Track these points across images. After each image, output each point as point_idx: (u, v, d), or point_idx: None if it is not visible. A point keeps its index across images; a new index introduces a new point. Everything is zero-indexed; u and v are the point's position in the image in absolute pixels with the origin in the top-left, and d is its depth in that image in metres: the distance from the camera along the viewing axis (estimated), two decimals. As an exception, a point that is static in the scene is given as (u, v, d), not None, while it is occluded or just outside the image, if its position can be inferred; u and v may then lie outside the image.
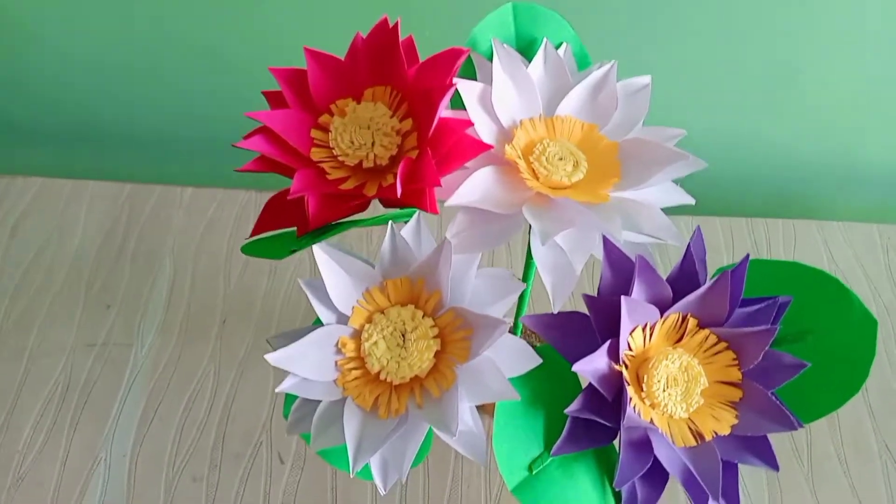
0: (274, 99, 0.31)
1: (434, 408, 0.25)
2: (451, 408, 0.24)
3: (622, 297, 0.26)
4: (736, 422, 0.29)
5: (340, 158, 0.29)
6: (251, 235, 0.30)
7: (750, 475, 0.48)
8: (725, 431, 0.29)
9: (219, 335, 0.55)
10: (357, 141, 0.29)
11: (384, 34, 0.30)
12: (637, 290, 0.27)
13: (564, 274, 0.27)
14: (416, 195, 0.27)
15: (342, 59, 0.30)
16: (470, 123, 0.27)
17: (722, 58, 0.56)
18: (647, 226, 0.28)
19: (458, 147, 0.28)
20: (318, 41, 0.52)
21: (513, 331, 0.42)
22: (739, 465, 0.29)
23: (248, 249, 0.28)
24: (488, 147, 0.28)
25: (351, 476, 0.24)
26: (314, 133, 0.30)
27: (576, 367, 0.26)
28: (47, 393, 0.52)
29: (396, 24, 0.29)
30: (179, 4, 0.56)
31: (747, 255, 0.28)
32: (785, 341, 0.30)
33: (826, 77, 0.57)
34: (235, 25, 0.58)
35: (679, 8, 0.53)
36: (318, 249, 0.25)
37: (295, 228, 0.29)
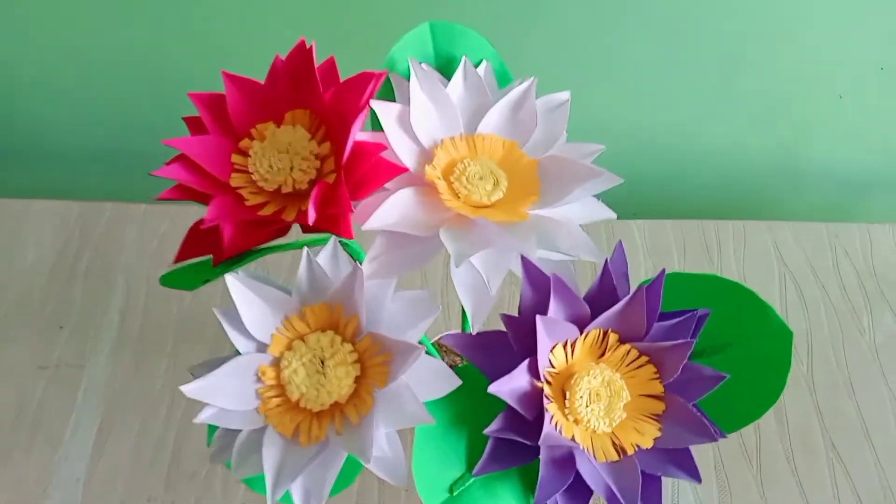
0: (194, 125, 0.31)
1: (352, 434, 0.25)
2: (367, 435, 0.25)
3: (538, 317, 0.27)
4: (659, 434, 0.29)
5: (259, 184, 0.29)
6: (174, 263, 0.30)
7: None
8: (648, 445, 0.29)
9: (172, 353, 0.54)
10: (276, 165, 0.29)
11: (303, 56, 0.30)
12: (553, 308, 0.28)
13: (482, 295, 0.28)
14: (331, 220, 0.27)
15: (261, 82, 0.30)
16: (383, 147, 0.27)
17: (668, 59, 0.57)
18: (565, 244, 0.28)
19: (375, 170, 0.28)
20: (262, 49, 0.52)
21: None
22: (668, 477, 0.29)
23: (165, 280, 0.28)
24: (404, 170, 0.28)
25: (268, 504, 0.24)
26: (235, 158, 0.30)
27: (491, 389, 0.26)
28: (-1, 417, 0.51)
29: (311, 47, 0.29)
30: (121, 16, 0.56)
31: (663, 270, 0.29)
32: (705, 353, 0.30)
33: (771, 76, 0.57)
34: (180, 34, 0.58)
35: (627, 8, 0.54)
36: (230, 278, 0.25)
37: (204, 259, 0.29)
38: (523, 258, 0.28)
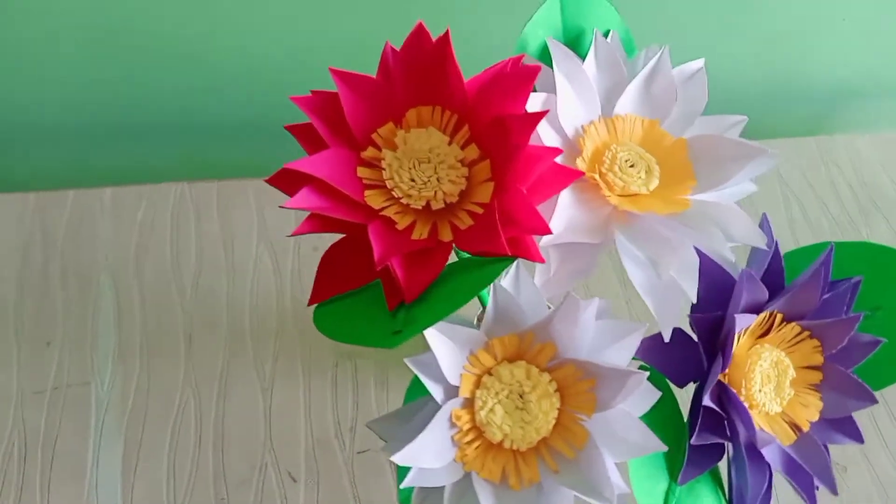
0: (303, 135, 0.26)
1: (573, 470, 0.24)
2: (599, 470, 0.23)
3: (736, 316, 0.25)
4: (821, 405, 0.29)
5: (404, 201, 0.25)
6: (311, 302, 0.26)
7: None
8: (815, 417, 0.29)
9: (188, 354, 0.49)
10: (419, 178, 0.25)
11: (424, 45, 0.26)
12: (742, 302, 0.26)
13: (670, 297, 0.26)
14: (514, 244, 0.24)
15: (375, 78, 0.26)
16: (558, 151, 0.24)
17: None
18: (738, 232, 0.27)
19: (546, 179, 0.25)
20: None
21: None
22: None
23: (326, 328, 0.24)
24: (580, 174, 0.25)
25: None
26: (361, 172, 0.26)
27: (706, 402, 0.25)
28: (2, 454, 0.45)
29: (447, 36, 0.25)
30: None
31: (832, 246, 0.28)
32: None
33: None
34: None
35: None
36: (431, 332, 0.22)
37: (365, 287, 0.25)
38: (699, 251, 0.26)
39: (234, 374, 0.49)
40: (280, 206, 0.24)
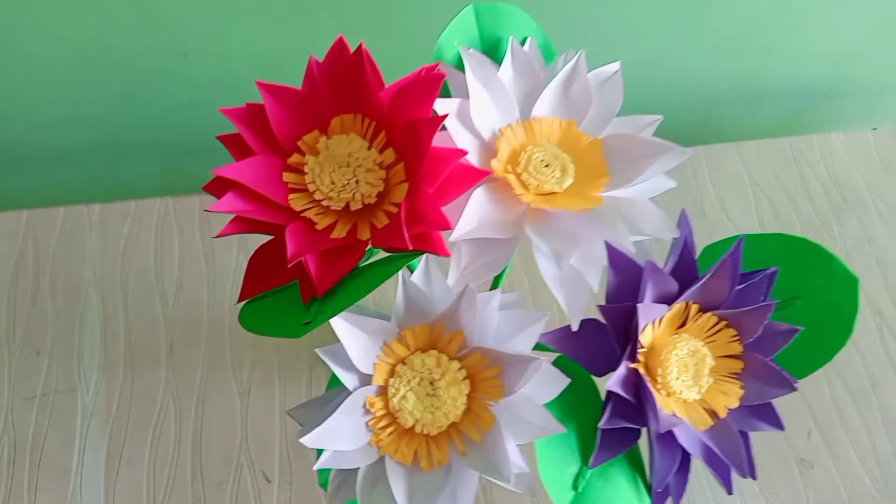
0: (233, 144, 0.28)
1: (479, 453, 0.25)
2: (500, 452, 0.24)
3: (638, 306, 0.27)
4: (742, 392, 0.30)
5: (325, 203, 0.27)
6: (240, 300, 0.27)
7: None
8: (735, 404, 0.30)
9: (169, 362, 0.51)
10: (339, 181, 0.27)
11: (343, 57, 0.27)
12: (648, 292, 0.28)
13: (577, 289, 0.27)
14: (421, 239, 0.25)
15: (299, 89, 0.28)
16: (463, 152, 0.26)
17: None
18: (648, 226, 0.28)
19: (452, 178, 0.26)
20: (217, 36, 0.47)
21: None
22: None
23: (250, 325, 0.26)
24: (486, 173, 0.27)
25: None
26: (287, 177, 0.27)
27: (609, 386, 0.26)
28: (-8, 459, 0.47)
29: (360, 48, 0.27)
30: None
31: (741, 239, 0.29)
32: (776, 308, 0.31)
33: (729, 3, 0.58)
34: (112, 13, 0.52)
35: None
36: (337, 320, 0.24)
37: (287, 286, 0.27)
38: (609, 245, 0.28)
39: (213, 381, 0.51)
40: (205, 210, 0.26)
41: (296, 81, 0.28)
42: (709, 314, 0.30)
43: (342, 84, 0.28)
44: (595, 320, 0.28)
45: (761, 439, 0.50)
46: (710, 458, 0.29)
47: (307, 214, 0.27)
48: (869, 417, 0.52)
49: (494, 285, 0.38)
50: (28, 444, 0.48)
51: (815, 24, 0.59)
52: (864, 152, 0.63)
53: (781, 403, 0.51)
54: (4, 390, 0.50)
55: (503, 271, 0.36)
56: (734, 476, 0.30)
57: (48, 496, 0.46)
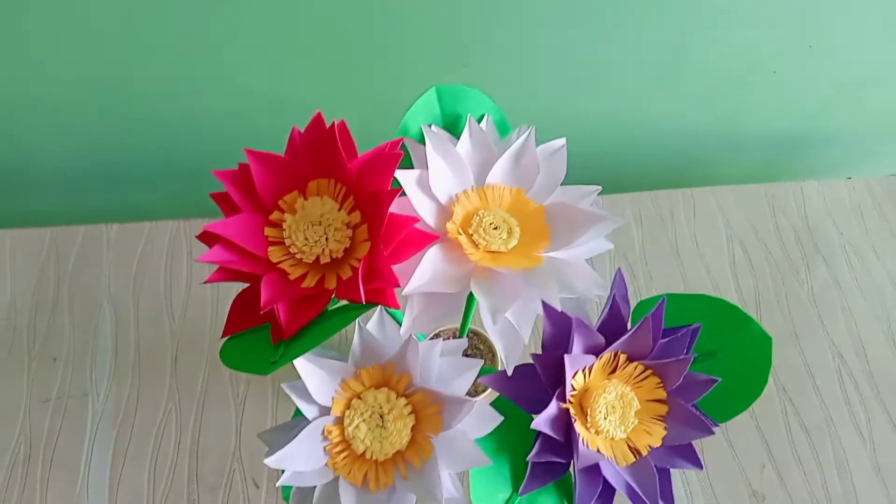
0: (223, 200, 0.33)
1: (417, 478, 0.29)
2: (434, 478, 0.28)
3: (566, 357, 0.31)
4: (665, 433, 0.34)
5: (298, 255, 0.31)
6: (223, 336, 0.32)
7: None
8: (657, 443, 0.34)
9: (173, 372, 0.56)
10: (311, 238, 0.31)
11: (320, 129, 0.32)
12: (576, 344, 0.32)
13: (514, 339, 0.31)
14: (377, 294, 0.30)
15: (282, 155, 0.32)
16: (416, 219, 0.30)
17: (614, 45, 0.60)
18: (579, 285, 0.32)
19: (407, 240, 0.30)
20: (219, 70, 0.52)
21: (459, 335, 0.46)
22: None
23: (229, 361, 0.30)
24: (435, 237, 0.31)
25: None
26: (268, 231, 0.32)
27: (535, 425, 0.30)
28: (11, 453, 0.52)
29: (333, 126, 0.31)
30: (71, 38, 0.55)
31: (664, 299, 0.33)
32: (699, 360, 0.35)
33: (712, 53, 0.61)
34: (133, 55, 0.57)
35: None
36: (301, 362, 0.28)
37: (261, 327, 0.31)
38: (544, 302, 0.32)
39: (212, 392, 0.55)
40: (196, 259, 0.30)
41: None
42: (636, 363, 0.34)
43: (319, 152, 0.32)
44: (531, 365, 0.33)
45: (717, 469, 0.54)
46: (630, 493, 0.33)
47: (282, 266, 0.31)
48: (822, 455, 0.55)
49: (462, 332, 0.42)
50: (42, 443, 0.53)
51: (792, 77, 0.63)
52: (838, 200, 0.66)
53: (739, 438, 0.55)
54: (23, 393, 0.55)
55: (467, 321, 0.41)
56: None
57: (58, 490, 0.51)
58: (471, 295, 0.37)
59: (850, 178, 0.68)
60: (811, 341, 0.59)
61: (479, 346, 0.51)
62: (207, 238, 0.32)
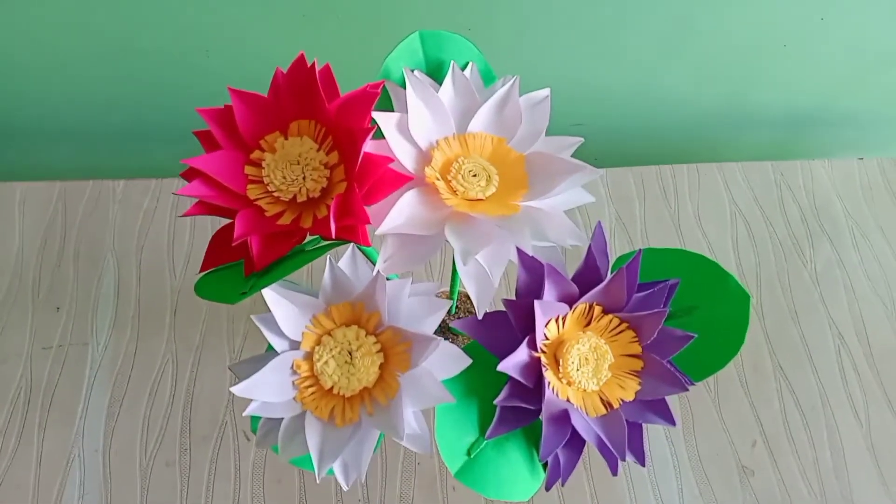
0: (205, 138, 0.33)
1: (383, 414, 0.29)
2: (398, 415, 0.29)
3: (536, 302, 0.31)
4: (639, 388, 0.34)
5: (276, 194, 0.32)
6: (200, 270, 0.32)
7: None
8: (630, 398, 0.34)
9: (171, 326, 0.57)
10: (289, 177, 0.32)
11: (303, 70, 0.32)
12: (548, 291, 0.32)
13: (485, 284, 0.31)
14: (349, 231, 0.30)
15: (265, 96, 0.33)
16: (391, 159, 0.30)
17: (627, 16, 0.59)
18: (553, 233, 0.32)
19: (383, 181, 0.31)
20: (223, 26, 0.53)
21: (450, 296, 0.47)
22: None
23: (201, 292, 0.31)
24: (410, 178, 0.31)
25: (317, 482, 0.28)
26: (248, 170, 0.32)
27: (501, 367, 0.30)
28: (11, 398, 0.54)
29: (314, 65, 0.31)
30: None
31: (640, 251, 0.33)
32: (676, 316, 0.35)
33: (721, 26, 0.61)
34: (142, 9, 0.58)
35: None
36: (267, 291, 0.28)
37: (237, 263, 0.32)
38: (518, 249, 0.32)
39: (209, 346, 0.56)
40: (173, 193, 0.31)
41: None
42: (610, 316, 0.34)
43: (301, 93, 0.32)
44: (502, 312, 0.33)
45: (707, 443, 0.53)
46: (600, 444, 0.33)
47: (260, 203, 0.32)
48: (815, 434, 0.54)
49: (452, 284, 0.43)
50: (42, 388, 0.54)
51: (804, 55, 0.61)
52: (848, 180, 0.65)
53: (731, 412, 0.54)
54: (26, 339, 0.56)
55: (456, 281, 0.41)
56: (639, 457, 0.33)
57: (55, 434, 0.53)
58: (454, 274, 0.38)
59: (861, 159, 0.66)
60: (811, 321, 0.59)
61: (469, 310, 0.51)
62: (189, 175, 0.32)
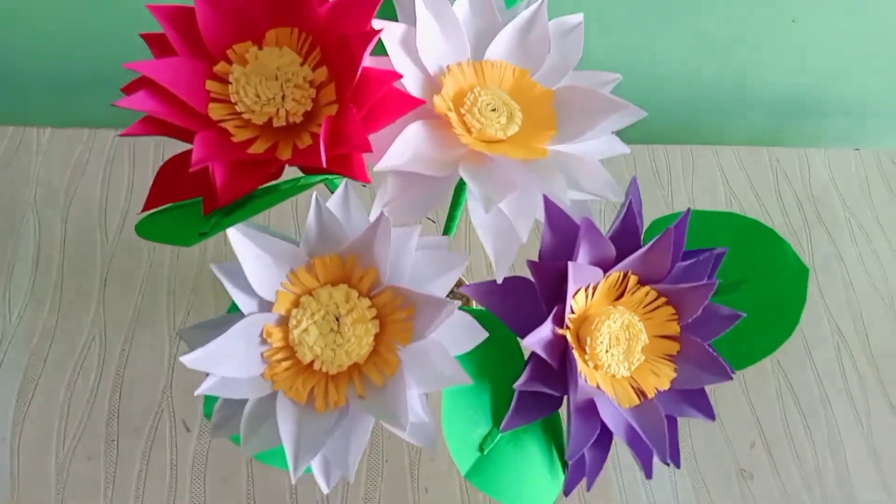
0: (156, 44, 0.26)
1: (378, 398, 0.23)
2: (399, 398, 0.22)
3: (569, 264, 0.25)
4: (674, 375, 0.29)
5: (245, 116, 0.25)
6: (143, 210, 0.25)
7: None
8: (665, 386, 0.28)
9: (100, 297, 0.49)
10: (264, 95, 0.25)
11: (286, -35, 0.25)
12: (582, 252, 0.26)
13: (507, 239, 0.25)
14: (341, 161, 0.23)
15: (237, -6, 0.26)
16: (398, 75, 0.24)
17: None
18: (589, 183, 0.26)
19: (385, 102, 0.24)
20: None
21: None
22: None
23: (144, 231, 0.24)
24: (420, 102, 0.25)
25: (293, 482, 0.22)
26: (210, 85, 0.25)
27: (527, 342, 0.24)
28: None
29: (302, -45, 0.25)
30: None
31: (688, 211, 0.27)
32: (721, 291, 0.29)
33: (722, 4, 0.56)
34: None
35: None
36: (233, 232, 0.22)
37: (195, 200, 0.25)
38: (546, 200, 0.26)
39: (144, 322, 0.49)
40: (112, 104, 0.24)
41: None
42: (647, 288, 0.28)
43: (282, -6, 0.26)
44: (523, 278, 0.27)
45: (704, 445, 0.49)
46: (632, 439, 0.27)
47: (225, 125, 0.25)
48: (816, 435, 0.50)
49: (448, 230, 0.36)
50: (-62, 366, 0.46)
51: (804, 40, 0.58)
52: (844, 170, 0.62)
53: (729, 412, 0.50)
54: (-78, 307, 0.47)
55: (453, 224, 0.34)
56: (657, 464, 0.28)
57: (-48, 421, 0.44)
58: (458, 189, 0.31)
59: (857, 150, 0.63)
60: (810, 315, 0.55)
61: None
62: (133, 86, 0.25)
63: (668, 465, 0.27)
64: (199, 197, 0.25)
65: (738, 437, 0.49)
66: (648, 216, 0.56)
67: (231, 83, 0.25)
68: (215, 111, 0.25)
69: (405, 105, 0.24)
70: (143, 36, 0.26)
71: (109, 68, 0.56)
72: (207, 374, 0.22)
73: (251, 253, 0.22)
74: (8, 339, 0.47)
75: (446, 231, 0.34)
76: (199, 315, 0.49)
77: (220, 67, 0.26)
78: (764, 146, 0.62)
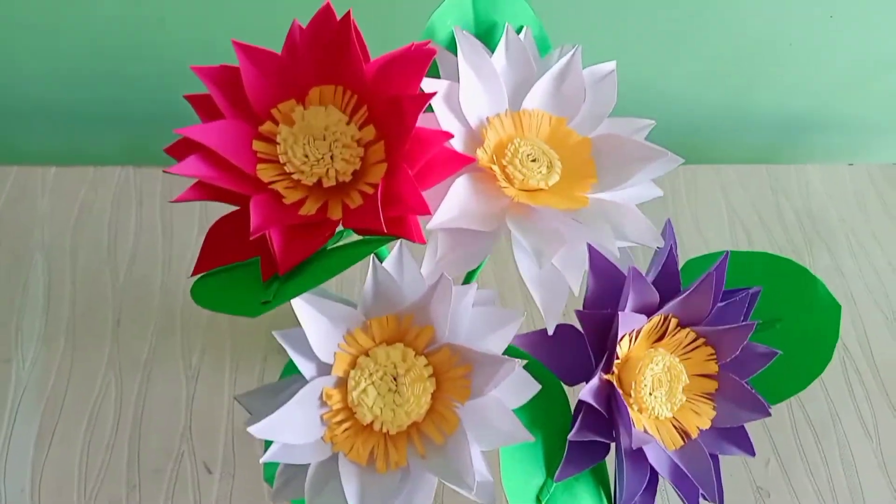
0: (201, 105, 0.26)
1: (439, 456, 0.23)
2: (464, 457, 0.23)
3: (620, 314, 0.25)
4: (714, 414, 0.29)
5: (295, 177, 0.25)
6: (194, 273, 0.25)
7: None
8: (706, 425, 0.29)
9: (114, 338, 0.49)
10: (312, 155, 0.25)
11: (328, 24, 0.26)
12: (630, 300, 0.26)
13: (556, 290, 0.26)
14: (396, 223, 0.24)
15: (279, 53, 0.26)
16: (449, 135, 0.24)
17: (620, 9, 0.55)
18: (632, 231, 0.26)
19: (435, 162, 0.25)
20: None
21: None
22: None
23: (201, 299, 0.24)
24: (470, 160, 0.25)
25: (363, 548, 0.22)
26: (256, 145, 0.26)
27: (582, 396, 0.25)
28: (-89, 427, 0.44)
29: (348, 16, 0.25)
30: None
31: (727, 254, 0.28)
32: (756, 330, 0.30)
33: (721, 25, 0.57)
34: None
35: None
36: (298, 302, 0.22)
37: (243, 264, 0.25)
38: (591, 248, 0.26)
39: (160, 362, 0.48)
40: (164, 171, 0.24)
41: (277, 49, 0.26)
42: (687, 329, 0.29)
43: (325, 53, 0.26)
44: (571, 326, 0.27)
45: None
46: (678, 480, 0.28)
47: (275, 187, 0.25)
48: (828, 452, 0.51)
49: (466, 282, 0.37)
50: (-48, 415, 0.45)
51: (800, 60, 0.59)
52: (839, 186, 0.63)
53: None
54: (-68, 355, 0.46)
55: (477, 269, 0.35)
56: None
57: (-31, 472, 0.43)
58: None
59: (851, 165, 0.65)
60: (816, 331, 0.56)
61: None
62: (180, 149, 0.25)
63: (715, 503, 0.28)
64: (249, 258, 0.25)
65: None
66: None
67: (279, 143, 0.25)
68: (264, 172, 0.25)
69: (456, 164, 0.25)
70: (187, 97, 0.26)
71: (113, 102, 0.56)
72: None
73: (313, 318, 0.23)
74: (23, 386, 0.46)
75: (466, 280, 0.34)
76: (214, 354, 0.49)
77: (266, 127, 0.26)
78: (762, 164, 0.63)
